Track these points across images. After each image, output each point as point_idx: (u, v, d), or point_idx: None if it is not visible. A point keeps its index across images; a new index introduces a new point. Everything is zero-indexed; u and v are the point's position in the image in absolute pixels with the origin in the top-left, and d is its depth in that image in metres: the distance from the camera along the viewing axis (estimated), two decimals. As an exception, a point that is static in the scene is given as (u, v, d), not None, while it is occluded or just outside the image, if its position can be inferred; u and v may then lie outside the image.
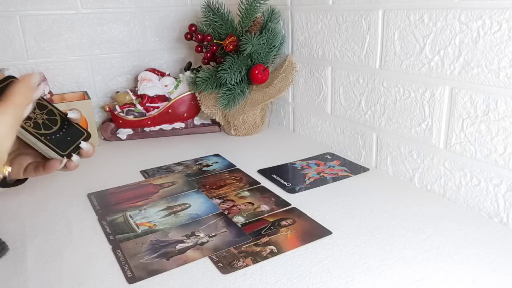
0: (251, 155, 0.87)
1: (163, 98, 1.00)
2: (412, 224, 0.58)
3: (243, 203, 0.66)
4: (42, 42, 0.99)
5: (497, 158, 0.58)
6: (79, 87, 1.06)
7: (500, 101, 0.55)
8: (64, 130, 0.59)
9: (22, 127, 0.56)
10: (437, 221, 0.59)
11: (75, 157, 0.56)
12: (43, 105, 0.58)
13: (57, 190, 0.73)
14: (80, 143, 0.59)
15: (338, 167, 0.79)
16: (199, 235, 0.57)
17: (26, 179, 0.62)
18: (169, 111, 1.00)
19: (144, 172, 0.79)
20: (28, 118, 0.56)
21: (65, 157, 0.58)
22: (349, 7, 0.76)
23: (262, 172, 0.78)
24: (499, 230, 0.56)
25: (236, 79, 0.92)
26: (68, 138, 0.59)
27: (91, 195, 0.70)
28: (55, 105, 0.60)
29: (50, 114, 0.59)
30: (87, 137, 0.60)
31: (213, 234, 0.57)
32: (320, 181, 0.73)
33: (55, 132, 0.58)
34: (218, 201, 0.67)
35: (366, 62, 0.76)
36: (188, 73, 1.02)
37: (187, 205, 0.65)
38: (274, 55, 0.95)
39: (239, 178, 0.75)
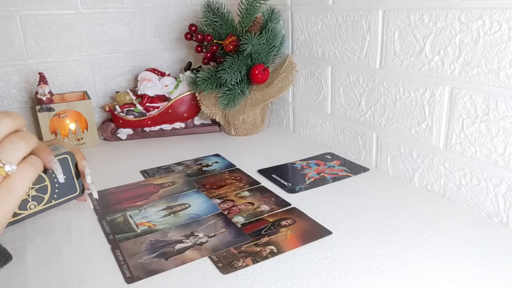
0: (251, 155, 0.87)
1: (163, 98, 1.00)
2: (412, 224, 0.58)
3: (243, 203, 0.66)
4: (42, 42, 0.99)
5: (497, 158, 0.57)
6: (79, 87, 1.06)
7: (500, 101, 0.55)
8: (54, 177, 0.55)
9: (31, 213, 0.53)
10: (437, 221, 0.59)
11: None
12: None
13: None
14: (77, 173, 0.57)
15: (338, 167, 0.79)
16: (198, 235, 0.57)
17: None
18: (169, 111, 1.00)
19: (144, 172, 0.79)
20: (26, 201, 0.53)
21: (81, 191, 0.59)
22: (349, 7, 0.76)
23: (262, 172, 0.78)
24: (499, 230, 0.56)
25: (236, 79, 0.92)
26: (65, 177, 0.56)
27: (91, 195, 0.70)
28: None
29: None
30: (72, 157, 0.56)
31: (212, 234, 0.57)
32: (320, 181, 0.73)
33: (52, 190, 0.55)
34: (218, 201, 0.67)
35: (366, 62, 0.76)
36: (188, 73, 1.02)
37: (187, 205, 0.65)
38: (274, 55, 0.95)
39: (239, 178, 0.75)
